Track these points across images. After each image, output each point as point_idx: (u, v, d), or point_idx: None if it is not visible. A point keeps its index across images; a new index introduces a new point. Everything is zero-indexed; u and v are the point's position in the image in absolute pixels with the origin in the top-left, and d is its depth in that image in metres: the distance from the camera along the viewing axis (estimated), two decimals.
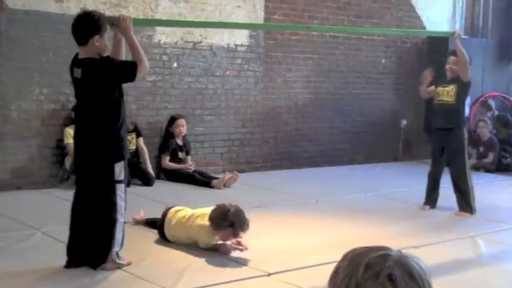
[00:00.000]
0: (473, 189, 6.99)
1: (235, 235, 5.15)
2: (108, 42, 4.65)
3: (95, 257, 4.64)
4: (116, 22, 4.65)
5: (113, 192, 4.56)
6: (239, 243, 5.20)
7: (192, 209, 5.59)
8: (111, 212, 4.58)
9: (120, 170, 4.58)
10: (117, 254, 4.67)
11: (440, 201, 7.19)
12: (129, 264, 4.72)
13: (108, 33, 4.68)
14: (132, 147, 8.05)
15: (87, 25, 4.52)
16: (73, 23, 4.61)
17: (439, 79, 7.07)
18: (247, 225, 5.13)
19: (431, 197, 7.17)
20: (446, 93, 6.86)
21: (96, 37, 4.49)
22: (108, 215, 4.58)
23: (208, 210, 5.28)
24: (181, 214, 5.47)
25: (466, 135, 7.00)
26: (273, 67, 9.57)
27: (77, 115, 4.97)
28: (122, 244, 4.69)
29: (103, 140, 4.57)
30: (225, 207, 5.17)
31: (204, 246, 5.24)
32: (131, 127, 8.07)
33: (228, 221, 5.06)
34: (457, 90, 6.81)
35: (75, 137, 4.83)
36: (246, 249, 5.15)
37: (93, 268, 4.64)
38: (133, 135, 8.13)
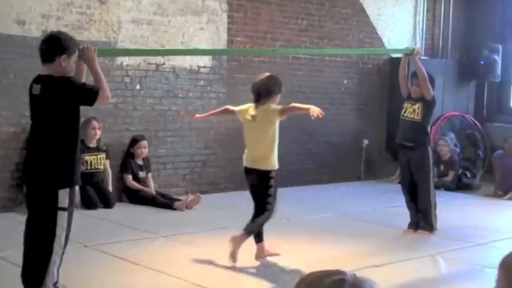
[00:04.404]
0: (436, 208, 7.08)
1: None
2: (74, 66, 4.48)
3: (30, 286, 4.41)
4: (81, 53, 4.52)
5: (53, 220, 4.29)
6: None
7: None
8: (49, 241, 4.31)
9: (64, 197, 4.32)
10: (54, 285, 4.38)
11: (401, 219, 7.25)
12: None
13: (74, 58, 4.52)
14: (101, 167, 8.14)
15: (57, 43, 4.39)
16: (43, 39, 4.49)
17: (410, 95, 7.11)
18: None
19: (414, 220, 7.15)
20: (413, 110, 6.99)
21: (64, 57, 4.34)
22: (45, 244, 4.32)
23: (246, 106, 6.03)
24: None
25: (431, 153, 7.11)
26: (236, 88, 9.58)
27: (29, 136, 4.67)
28: (57, 275, 4.38)
29: (50, 164, 4.34)
30: (261, 79, 6.04)
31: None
32: (104, 147, 8.13)
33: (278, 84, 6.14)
34: (422, 109, 6.96)
35: (26, 157, 4.65)
36: None
37: None
38: (104, 156, 8.19)
